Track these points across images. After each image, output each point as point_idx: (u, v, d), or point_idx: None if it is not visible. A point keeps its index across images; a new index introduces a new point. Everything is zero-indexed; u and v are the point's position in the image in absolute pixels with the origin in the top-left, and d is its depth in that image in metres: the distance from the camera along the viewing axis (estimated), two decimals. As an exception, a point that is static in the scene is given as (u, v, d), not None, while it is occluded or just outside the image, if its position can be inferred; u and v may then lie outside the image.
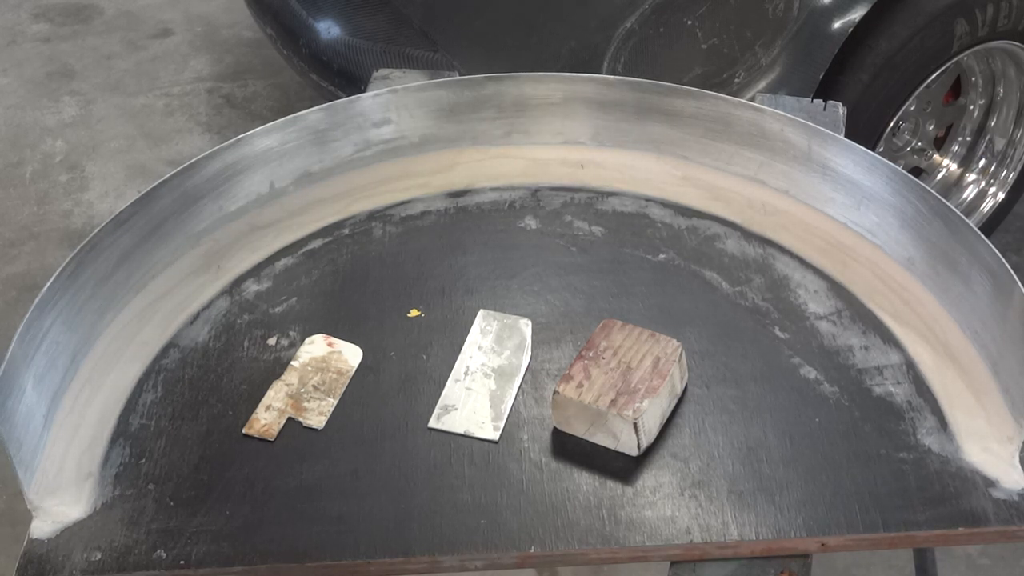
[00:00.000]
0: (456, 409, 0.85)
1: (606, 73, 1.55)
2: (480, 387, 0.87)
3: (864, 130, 1.67)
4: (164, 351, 0.91)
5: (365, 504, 0.78)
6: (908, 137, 1.97)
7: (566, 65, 1.56)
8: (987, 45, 1.77)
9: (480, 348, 0.90)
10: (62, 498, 0.79)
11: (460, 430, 0.83)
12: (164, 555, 0.75)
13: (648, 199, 1.06)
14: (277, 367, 0.89)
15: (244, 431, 0.84)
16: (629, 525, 0.76)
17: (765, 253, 0.99)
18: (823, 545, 0.75)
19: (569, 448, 0.82)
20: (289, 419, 0.84)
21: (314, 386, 0.87)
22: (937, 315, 0.91)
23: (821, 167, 1.02)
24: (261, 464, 0.81)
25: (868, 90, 1.63)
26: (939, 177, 2.04)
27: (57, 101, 2.74)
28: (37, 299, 0.83)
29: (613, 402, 0.79)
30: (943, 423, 0.83)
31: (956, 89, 1.96)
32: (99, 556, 0.75)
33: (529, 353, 0.90)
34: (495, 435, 0.83)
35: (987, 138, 2.01)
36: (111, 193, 2.44)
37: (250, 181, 1.04)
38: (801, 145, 1.02)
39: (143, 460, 0.82)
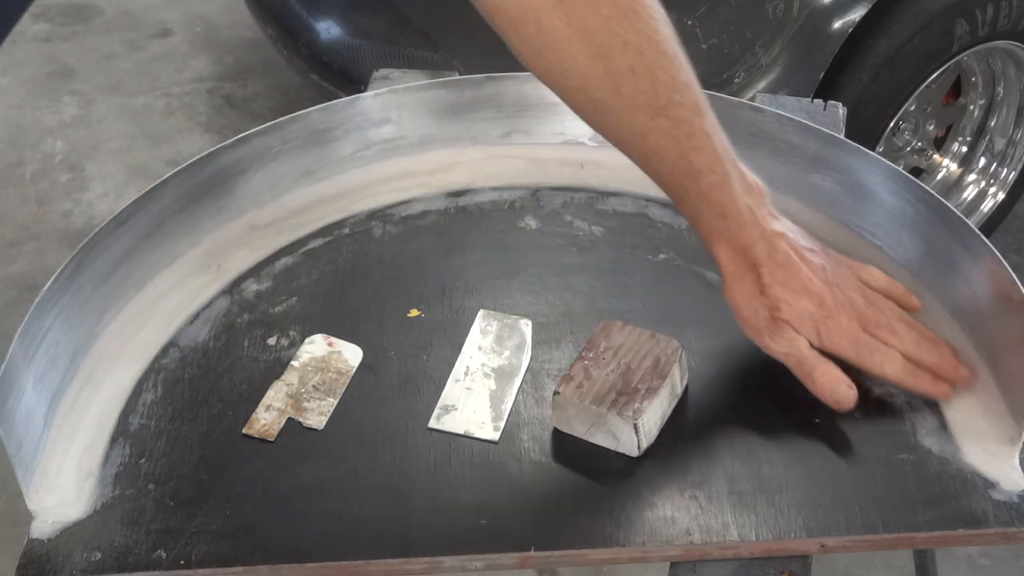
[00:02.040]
0: (456, 409, 0.85)
1: (606, 73, 1.55)
2: (480, 387, 0.87)
3: (864, 130, 1.67)
4: (164, 351, 0.91)
5: (365, 504, 0.78)
6: (908, 137, 1.97)
7: (566, 65, 1.56)
8: (987, 45, 1.77)
9: (480, 348, 0.90)
10: (62, 498, 0.79)
11: (460, 430, 0.83)
12: (164, 555, 0.75)
13: (648, 199, 1.06)
14: (277, 367, 0.89)
15: (244, 431, 0.84)
16: (629, 525, 0.76)
17: (765, 253, 0.99)
18: (823, 546, 0.75)
19: (569, 448, 0.82)
20: (289, 419, 0.84)
21: (314, 386, 0.87)
22: (937, 315, 0.91)
23: (821, 167, 1.02)
24: (261, 464, 0.81)
25: (868, 90, 1.63)
26: (939, 177, 2.04)
27: (57, 101, 2.74)
28: (37, 299, 0.83)
29: (613, 402, 0.79)
30: (943, 424, 0.83)
31: (956, 89, 1.96)
32: (99, 556, 0.75)
33: (529, 353, 0.90)
34: (495, 435, 0.83)
35: (987, 138, 2.01)
36: (111, 193, 2.44)
37: (250, 181, 1.04)
38: (801, 145, 1.02)
39: (143, 460, 0.82)
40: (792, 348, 0.80)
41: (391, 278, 0.98)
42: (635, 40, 0.75)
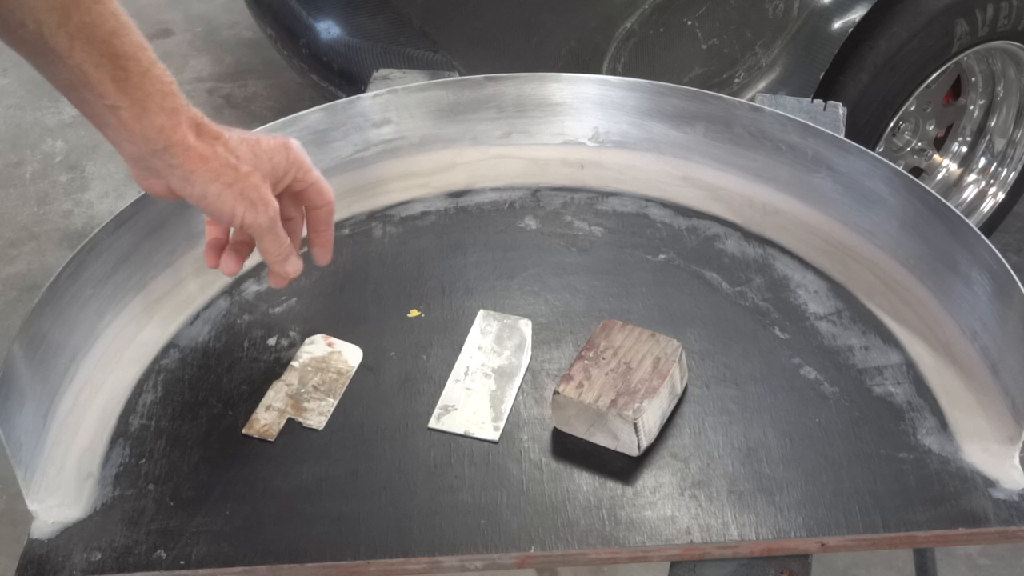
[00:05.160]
0: (456, 409, 0.85)
1: (606, 73, 1.55)
2: (480, 387, 0.87)
3: (864, 130, 1.67)
4: (164, 351, 0.91)
5: (365, 504, 0.78)
6: (908, 137, 1.97)
7: (566, 65, 1.56)
8: (987, 45, 1.77)
9: (480, 348, 0.90)
10: (62, 498, 0.79)
11: (460, 430, 0.83)
12: (164, 555, 0.75)
13: (648, 199, 1.06)
14: (277, 367, 0.89)
15: (244, 431, 0.84)
16: (629, 525, 0.76)
17: (765, 253, 0.99)
18: (823, 545, 0.75)
19: (569, 448, 0.82)
20: (289, 419, 0.84)
21: (314, 386, 0.87)
22: (937, 315, 0.91)
23: (821, 167, 1.02)
24: (261, 464, 0.81)
25: (868, 90, 1.63)
26: (939, 177, 2.04)
27: (57, 101, 2.74)
28: (37, 299, 0.83)
29: (613, 402, 0.79)
30: (943, 423, 0.83)
31: (956, 89, 1.96)
32: (99, 556, 0.75)
33: (529, 353, 0.90)
34: (495, 435, 0.83)
35: (987, 138, 2.01)
36: (111, 193, 2.44)
37: (250, 181, 1.03)
38: (801, 145, 1.02)
39: (143, 460, 0.82)
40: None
41: (391, 278, 0.98)
42: None
